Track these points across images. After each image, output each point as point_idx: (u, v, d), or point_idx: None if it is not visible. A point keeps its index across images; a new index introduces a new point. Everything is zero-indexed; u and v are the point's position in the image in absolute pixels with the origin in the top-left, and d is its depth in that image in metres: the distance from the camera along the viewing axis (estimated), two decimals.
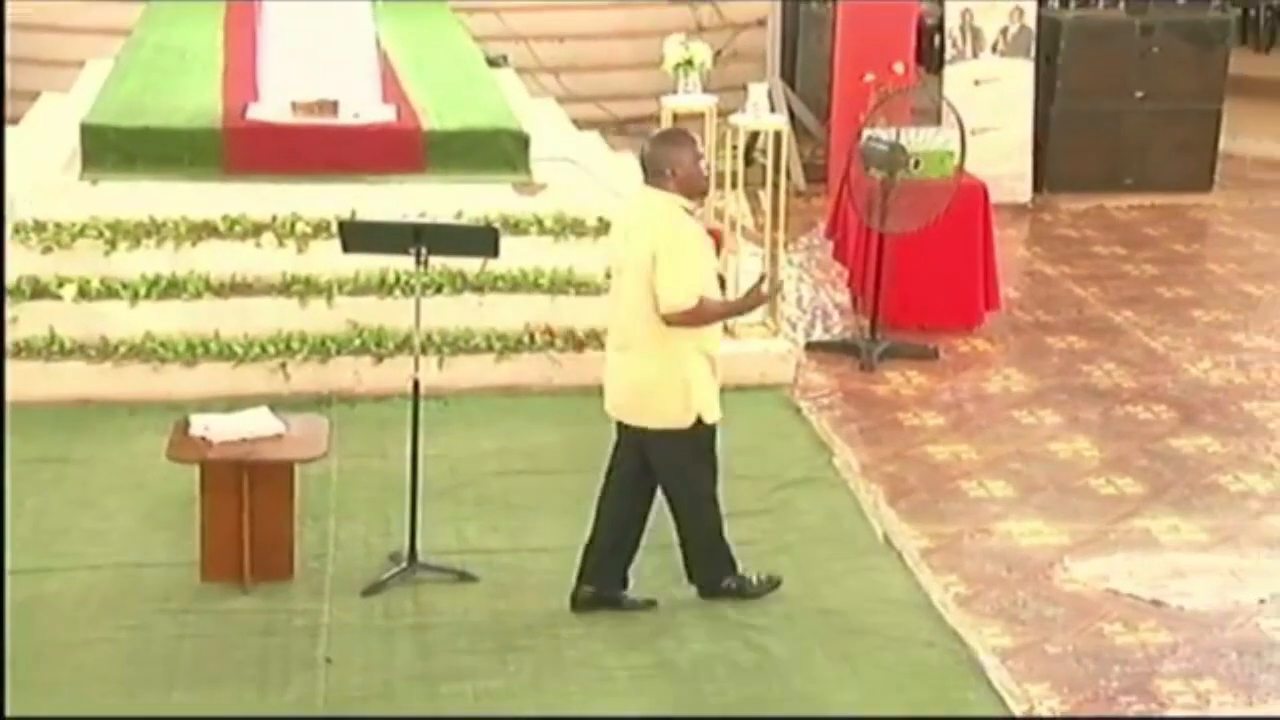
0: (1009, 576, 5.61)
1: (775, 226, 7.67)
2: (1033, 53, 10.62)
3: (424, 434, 5.49)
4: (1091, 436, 6.91)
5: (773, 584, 5.36)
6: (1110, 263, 9.57)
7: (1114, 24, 11.06)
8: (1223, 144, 11.14)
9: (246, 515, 5.30)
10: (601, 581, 5.25)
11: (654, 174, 5.07)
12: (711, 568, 5.31)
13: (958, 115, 7.95)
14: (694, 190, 5.12)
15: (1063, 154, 10.84)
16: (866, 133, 7.84)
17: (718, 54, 10.27)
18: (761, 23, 12.48)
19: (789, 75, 12.08)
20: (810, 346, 7.92)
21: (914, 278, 7.93)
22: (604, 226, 7.59)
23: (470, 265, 7.17)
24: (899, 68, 8.74)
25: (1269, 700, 4.87)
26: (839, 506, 6.11)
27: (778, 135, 7.65)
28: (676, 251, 4.98)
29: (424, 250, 5.40)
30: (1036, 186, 10.77)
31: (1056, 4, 11.28)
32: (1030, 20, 10.63)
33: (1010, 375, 7.65)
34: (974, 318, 8.22)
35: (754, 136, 8.70)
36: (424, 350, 5.99)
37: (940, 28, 11.00)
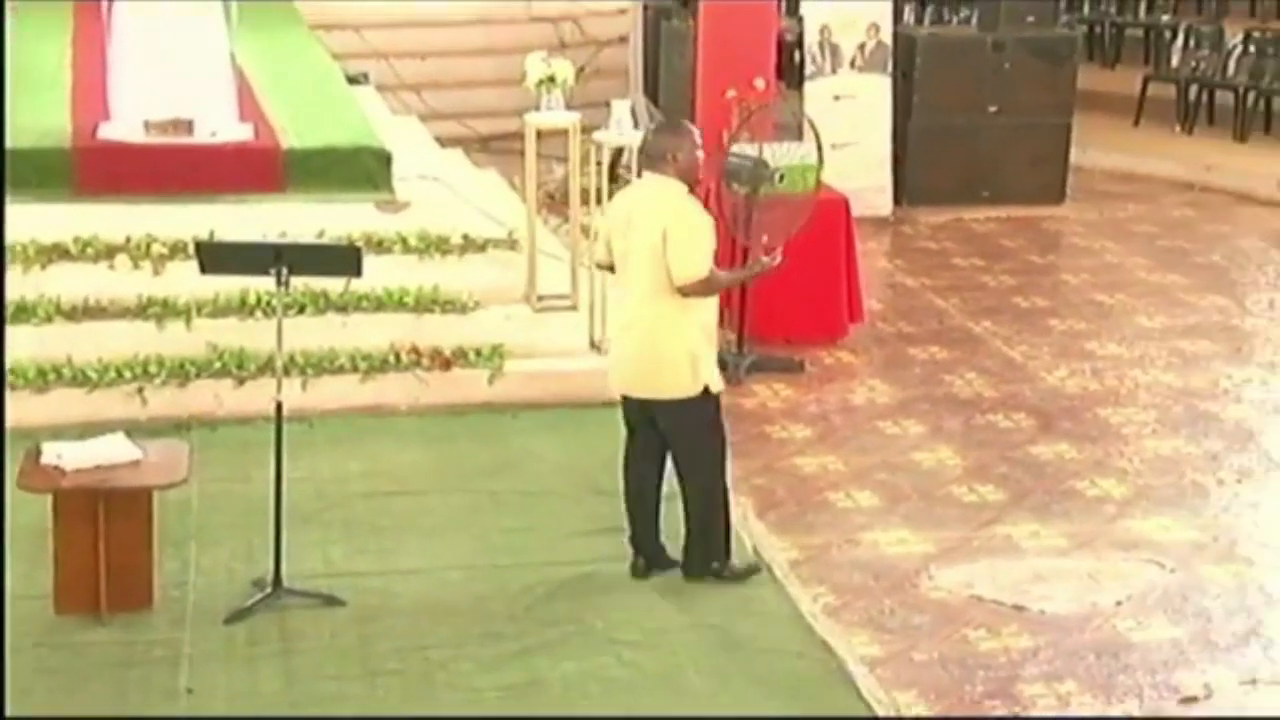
0: (876, 585, 5.68)
1: None
2: (890, 69, 10.82)
3: (288, 457, 5.39)
4: (954, 445, 7.03)
5: (753, 569, 5.61)
6: (969, 274, 9.76)
7: (967, 41, 11.32)
8: (1073, 157, 11.44)
9: (103, 544, 5.16)
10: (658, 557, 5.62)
11: (656, 160, 5.40)
12: (702, 549, 5.54)
13: (815, 130, 8.04)
14: (691, 178, 5.43)
15: (921, 167, 11.04)
16: (731, 148, 7.89)
17: (580, 71, 10.26)
18: (623, 39, 12.57)
19: (652, 91, 12.15)
20: None
21: (779, 291, 7.99)
22: (469, 244, 7.54)
23: (333, 285, 7.08)
24: (760, 83, 8.80)
25: (1126, 700, 4.99)
26: None
27: None
28: (687, 226, 5.33)
29: (285, 271, 5.32)
30: (896, 199, 10.95)
31: (912, 21, 11.49)
32: (887, 37, 10.81)
33: (875, 386, 7.76)
34: (838, 330, 8.32)
35: (618, 153, 8.70)
36: (287, 372, 5.89)
37: (799, 44, 11.14)
